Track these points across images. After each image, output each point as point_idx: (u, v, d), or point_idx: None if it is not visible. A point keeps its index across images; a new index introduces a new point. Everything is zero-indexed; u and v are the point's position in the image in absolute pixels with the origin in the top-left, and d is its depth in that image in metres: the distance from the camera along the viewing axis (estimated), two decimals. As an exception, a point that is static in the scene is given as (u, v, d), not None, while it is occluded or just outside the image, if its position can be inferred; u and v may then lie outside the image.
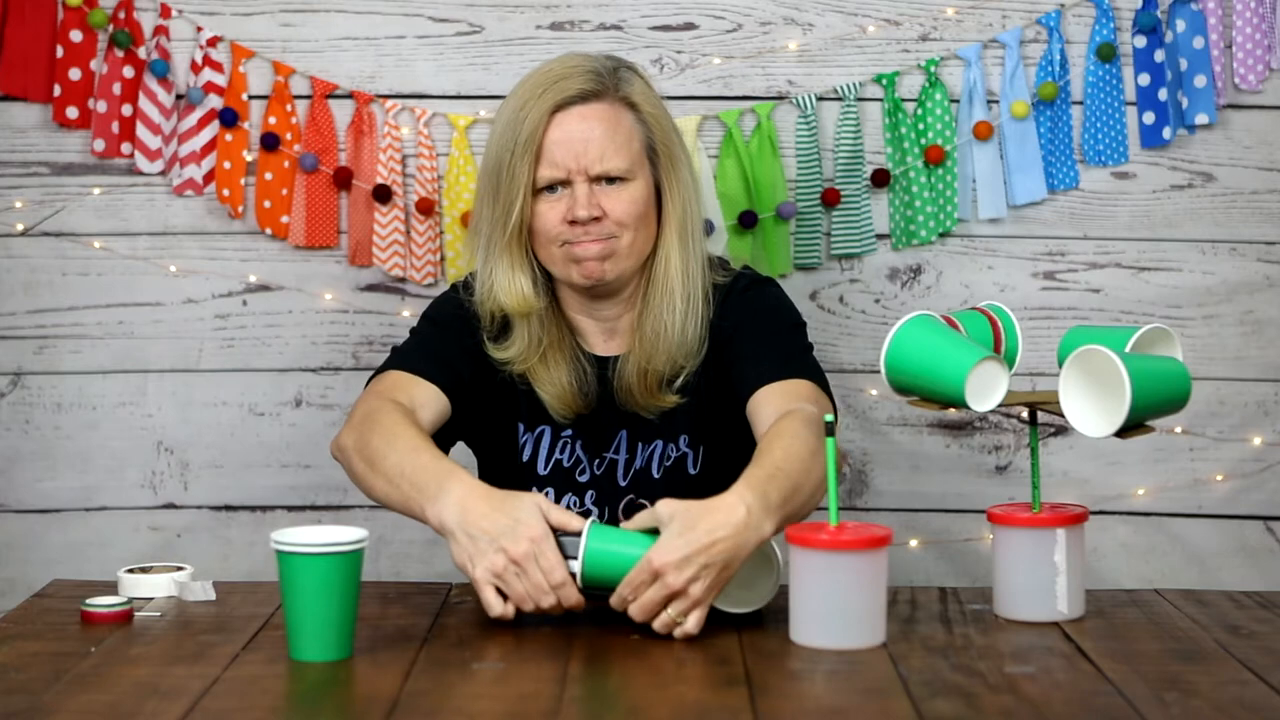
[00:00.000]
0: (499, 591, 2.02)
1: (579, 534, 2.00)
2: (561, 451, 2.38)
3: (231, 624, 2.06)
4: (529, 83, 2.32)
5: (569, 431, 2.38)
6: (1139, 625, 2.05)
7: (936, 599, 2.16)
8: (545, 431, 2.38)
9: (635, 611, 1.98)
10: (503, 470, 2.41)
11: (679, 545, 1.96)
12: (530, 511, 2.02)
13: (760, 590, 2.04)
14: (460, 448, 2.45)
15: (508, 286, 2.32)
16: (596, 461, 2.38)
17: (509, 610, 2.02)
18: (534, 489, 2.38)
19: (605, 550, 1.99)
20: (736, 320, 2.35)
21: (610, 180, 2.29)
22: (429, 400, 2.30)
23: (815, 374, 2.32)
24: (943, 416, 2.83)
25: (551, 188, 2.30)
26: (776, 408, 2.22)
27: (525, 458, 2.39)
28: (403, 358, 2.35)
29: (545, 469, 2.38)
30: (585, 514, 2.37)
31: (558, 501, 2.37)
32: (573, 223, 2.29)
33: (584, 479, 2.38)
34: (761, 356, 2.31)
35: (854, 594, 1.92)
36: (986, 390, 2.02)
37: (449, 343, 2.36)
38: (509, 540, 2.01)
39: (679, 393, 2.35)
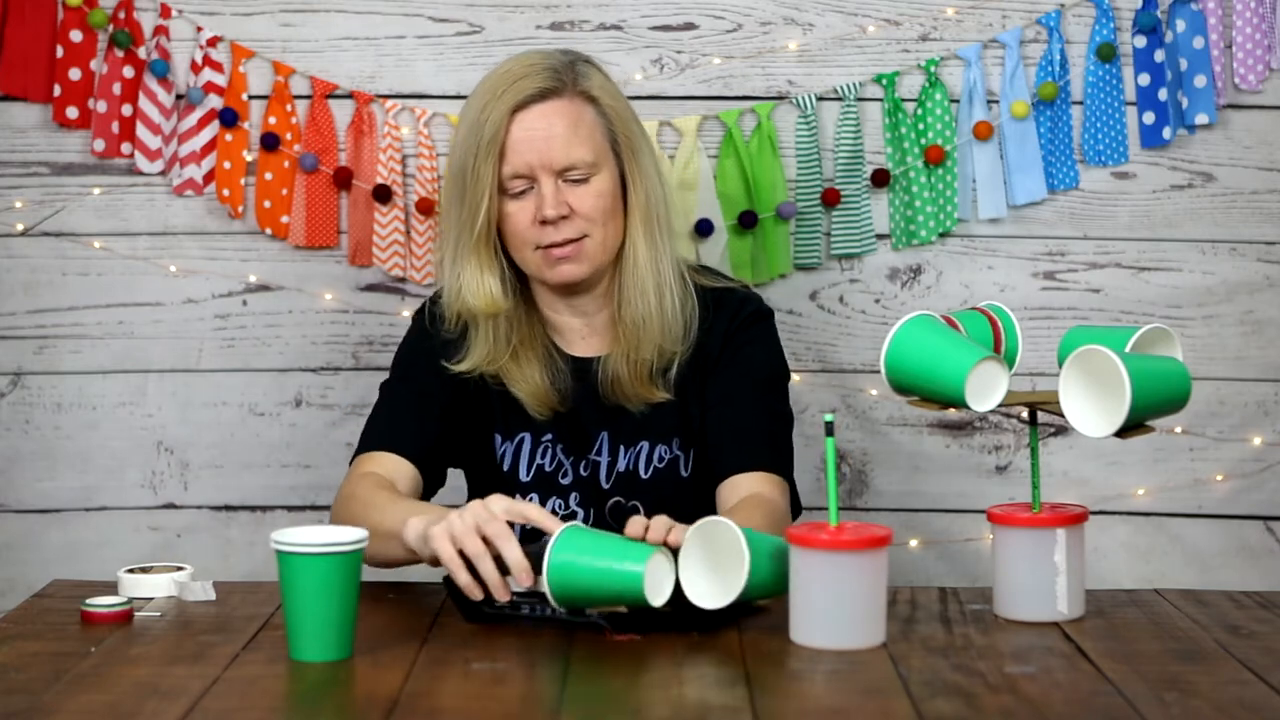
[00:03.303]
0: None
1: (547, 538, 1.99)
2: (543, 456, 2.38)
3: (231, 624, 2.06)
4: (487, 84, 2.32)
5: (549, 435, 2.38)
6: (1139, 625, 2.05)
7: (936, 599, 2.16)
8: (525, 438, 2.38)
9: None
10: (487, 482, 2.41)
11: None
12: (491, 497, 2.05)
13: (732, 581, 2.00)
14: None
15: (476, 288, 2.32)
16: (582, 464, 2.38)
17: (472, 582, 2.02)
18: (518, 497, 2.38)
19: (569, 562, 1.98)
20: (736, 358, 2.36)
21: (576, 179, 2.30)
22: (404, 474, 2.32)
23: (787, 460, 2.37)
24: (943, 416, 2.83)
25: (518, 187, 2.30)
26: (747, 490, 2.29)
27: (506, 467, 2.39)
28: (371, 436, 2.37)
29: (528, 475, 2.38)
30: (570, 516, 2.37)
31: (542, 505, 2.37)
32: (543, 222, 2.29)
33: (567, 481, 2.38)
34: (747, 433, 2.33)
35: (854, 594, 1.92)
36: (986, 390, 2.02)
37: (415, 397, 2.37)
38: (460, 511, 2.04)
39: (669, 387, 2.35)
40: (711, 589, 1.97)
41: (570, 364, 2.38)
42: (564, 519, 2.35)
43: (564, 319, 2.40)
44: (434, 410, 2.37)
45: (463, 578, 2.01)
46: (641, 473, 2.37)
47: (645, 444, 2.38)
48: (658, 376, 2.35)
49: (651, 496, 2.37)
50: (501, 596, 2.01)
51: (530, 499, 2.38)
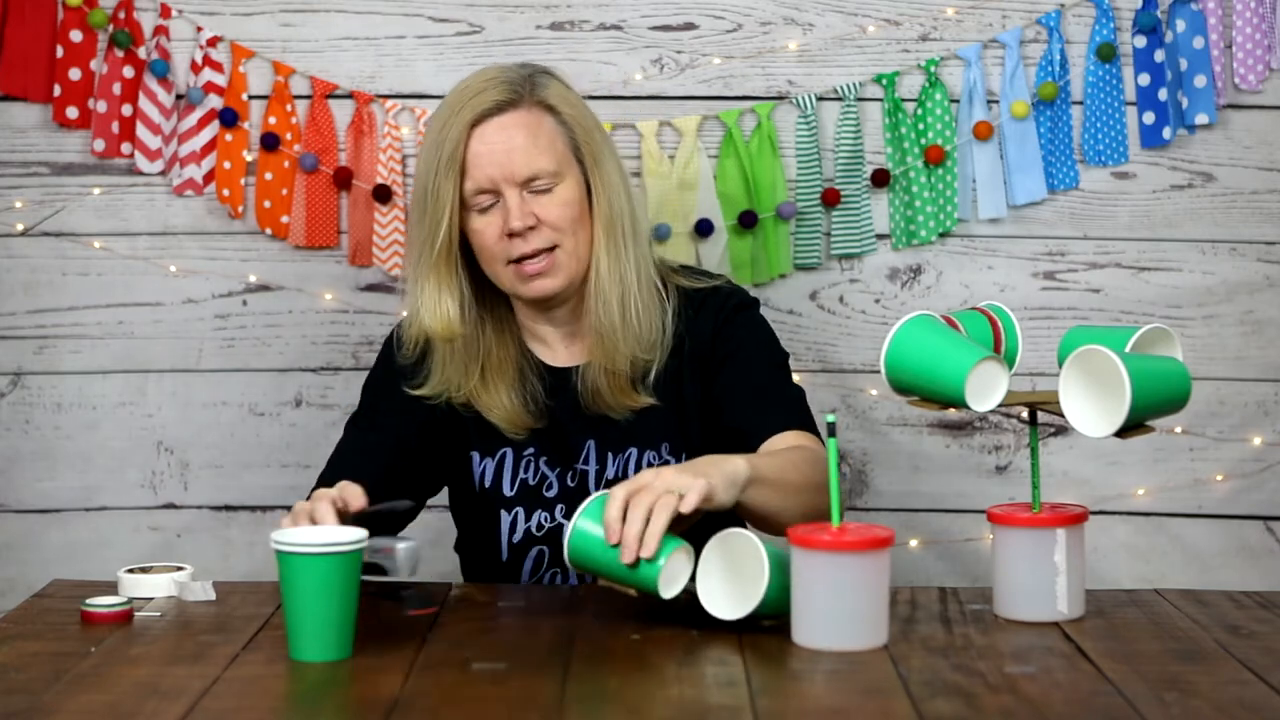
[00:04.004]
0: None
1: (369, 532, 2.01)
2: (526, 470, 2.37)
3: (231, 624, 2.06)
4: (446, 102, 2.32)
5: (531, 449, 2.37)
6: (1139, 625, 2.05)
7: (936, 599, 2.16)
8: (507, 453, 2.37)
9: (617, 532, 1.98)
10: (467, 498, 2.41)
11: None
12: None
13: (750, 594, 2.01)
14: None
15: (433, 309, 2.30)
16: (569, 475, 2.37)
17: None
18: (501, 512, 2.37)
19: (592, 535, 2.00)
20: (731, 348, 2.35)
21: (540, 189, 2.29)
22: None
23: (812, 422, 2.35)
24: (943, 416, 2.83)
25: (483, 202, 2.29)
26: (788, 444, 2.27)
27: (488, 484, 2.37)
28: (323, 475, 2.35)
29: (511, 490, 2.37)
30: (556, 530, 2.36)
31: (528, 520, 2.37)
32: (511, 235, 2.28)
33: (551, 494, 2.37)
34: (768, 402, 2.32)
35: (856, 595, 1.92)
36: (986, 390, 2.02)
37: (372, 437, 2.36)
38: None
39: (651, 392, 2.34)
40: (729, 599, 1.98)
41: (550, 375, 2.37)
42: (549, 532, 2.35)
43: (544, 329, 2.39)
44: (382, 456, 2.34)
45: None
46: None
47: (634, 450, 2.37)
48: (638, 383, 2.34)
49: None
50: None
51: (515, 513, 2.37)
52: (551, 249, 2.29)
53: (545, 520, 2.37)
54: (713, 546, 1.99)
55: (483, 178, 2.28)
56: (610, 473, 2.36)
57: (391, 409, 2.38)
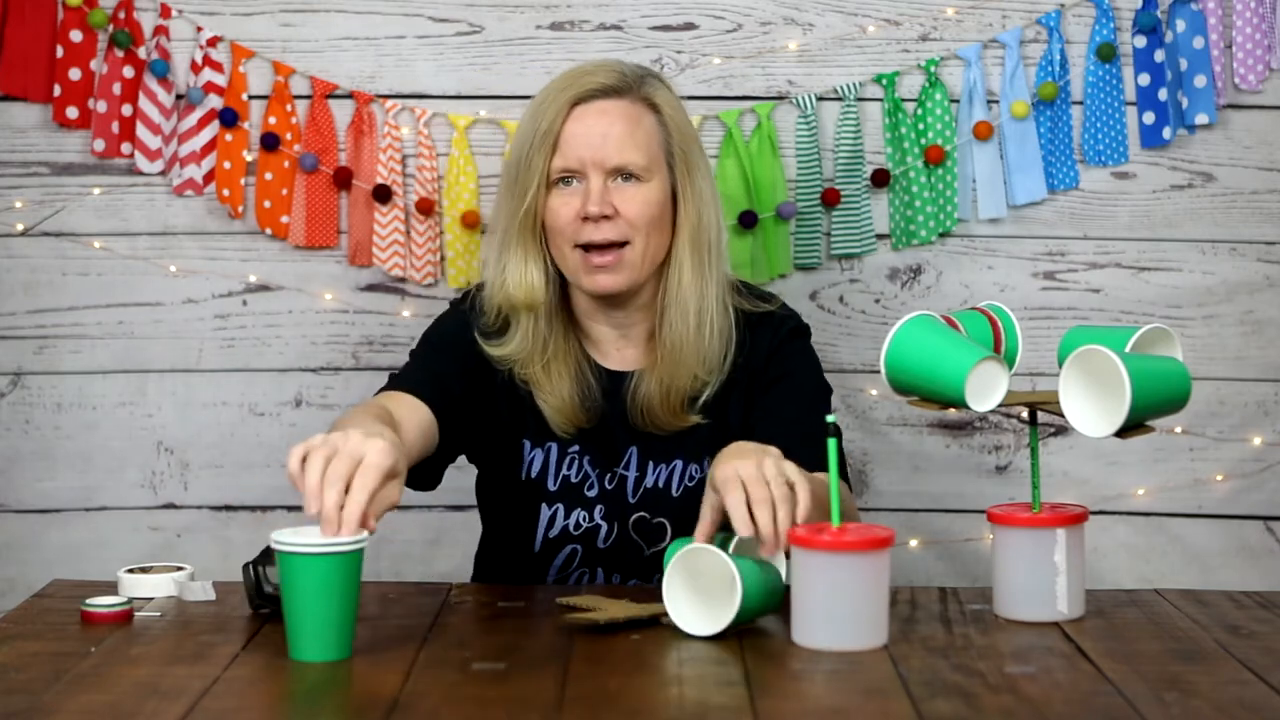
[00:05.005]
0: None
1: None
2: (569, 467, 2.36)
3: (231, 624, 2.06)
4: (556, 78, 2.33)
5: (576, 447, 2.36)
6: (1139, 625, 2.05)
7: (936, 599, 2.16)
8: (553, 447, 2.36)
9: (763, 520, 1.95)
10: (505, 485, 2.39)
11: (728, 466, 1.98)
12: (378, 444, 1.91)
13: (721, 612, 1.98)
14: (463, 461, 2.45)
15: (519, 278, 2.30)
16: (608, 477, 2.36)
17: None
18: (543, 505, 2.36)
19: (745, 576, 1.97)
20: (780, 373, 2.35)
21: (626, 178, 2.29)
22: (412, 411, 2.22)
23: (844, 466, 2.33)
24: (943, 416, 2.83)
25: (567, 180, 2.29)
26: None
27: (534, 474, 2.36)
28: (394, 379, 2.33)
29: (555, 485, 2.36)
30: (594, 530, 2.36)
31: (567, 517, 2.36)
32: (585, 219, 2.28)
33: (592, 494, 2.36)
34: (804, 435, 2.27)
35: (856, 595, 1.92)
36: (986, 390, 2.02)
37: (443, 361, 2.34)
38: (340, 439, 1.91)
39: (701, 412, 2.34)
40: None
41: (603, 378, 2.36)
42: (586, 532, 2.35)
43: (601, 328, 2.37)
44: (460, 377, 2.30)
45: (314, 508, 1.88)
46: (673, 490, 2.35)
47: (679, 462, 2.35)
48: (690, 404, 2.33)
49: (679, 514, 2.34)
50: (328, 533, 1.86)
51: (555, 509, 2.36)
52: (622, 245, 2.28)
53: (583, 520, 2.36)
54: (677, 563, 1.98)
55: (572, 157, 2.28)
56: (650, 481, 2.35)
57: (457, 363, 2.32)
